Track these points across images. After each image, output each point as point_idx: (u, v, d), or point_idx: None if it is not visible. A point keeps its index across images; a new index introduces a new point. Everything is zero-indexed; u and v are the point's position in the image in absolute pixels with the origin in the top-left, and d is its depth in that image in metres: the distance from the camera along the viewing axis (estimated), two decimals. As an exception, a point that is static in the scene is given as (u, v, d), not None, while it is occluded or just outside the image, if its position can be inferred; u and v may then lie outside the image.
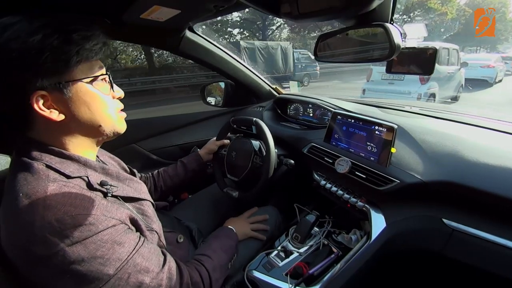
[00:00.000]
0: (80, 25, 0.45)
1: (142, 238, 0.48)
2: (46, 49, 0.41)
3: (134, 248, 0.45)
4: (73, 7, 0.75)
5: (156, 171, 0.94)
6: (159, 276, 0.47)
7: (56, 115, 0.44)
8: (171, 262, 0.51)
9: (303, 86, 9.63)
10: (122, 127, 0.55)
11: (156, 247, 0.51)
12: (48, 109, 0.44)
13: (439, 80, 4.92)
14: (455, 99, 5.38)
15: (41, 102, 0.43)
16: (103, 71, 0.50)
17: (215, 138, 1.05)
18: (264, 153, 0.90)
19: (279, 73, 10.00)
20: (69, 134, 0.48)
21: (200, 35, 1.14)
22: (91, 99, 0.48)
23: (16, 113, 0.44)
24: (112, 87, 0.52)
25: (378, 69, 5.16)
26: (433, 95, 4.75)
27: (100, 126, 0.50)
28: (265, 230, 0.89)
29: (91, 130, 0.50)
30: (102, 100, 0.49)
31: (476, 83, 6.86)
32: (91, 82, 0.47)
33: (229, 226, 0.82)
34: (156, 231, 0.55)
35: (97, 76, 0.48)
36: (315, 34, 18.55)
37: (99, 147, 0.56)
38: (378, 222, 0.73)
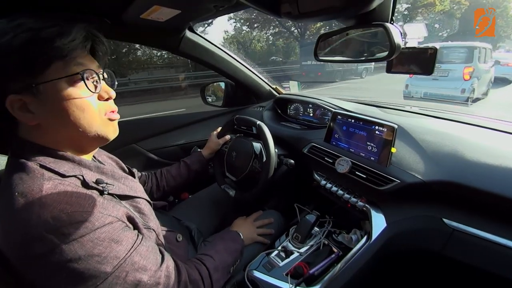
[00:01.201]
0: (54, 22, 0.42)
1: (140, 236, 0.48)
2: (13, 50, 0.39)
3: (132, 246, 0.44)
4: (73, 7, 0.75)
5: (159, 170, 0.94)
6: (157, 274, 0.47)
7: (30, 119, 0.43)
8: (169, 261, 0.51)
9: (360, 78, 11.54)
10: (109, 132, 0.51)
11: (154, 245, 0.51)
12: (24, 112, 0.42)
13: (478, 77, 5.24)
14: (485, 94, 5.77)
15: (16, 105, 0.41)
16: (83, 68, 0.45)
17: (214, 133, 1.05)
18: (264, 159, 0.90)
19: (347, 67, 11.33)
20: (54, 136, 0.46)
21: (200, 35, 1.14)
22: (67, 102, 0.44)
23: (2, 116, 0.43)
24: (96, 87, 0.47)
25: (422, 66, 5.39)
26: (473, 91, 5.12)
27: (80, 130, 0.46)
28: (270, 234, 0.89)
29: (72, 134, 0.47)
30: (82, 102, 0.45)
31: (497, 80, 6.98)
32: (67, 82, 0.43)
33: (236, 231, 0.82)
34: (153, 229, 0.55)
35: (71, 75, 0.44)
36: (276, 31, 18.21)
37: (93, 149, 0.54)
38: (378, 222, 0.73)
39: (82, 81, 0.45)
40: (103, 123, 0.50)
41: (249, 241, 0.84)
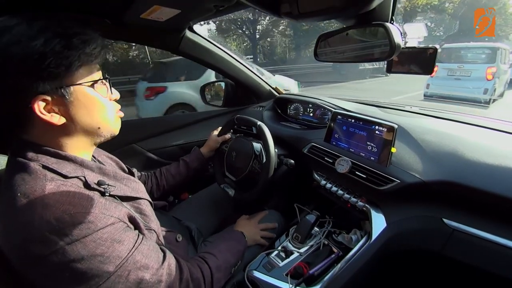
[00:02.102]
0: (79, 29, 0.45)
1: (141, 236, 0.48)
2: (48, 54, 0.41)
3: (134, 246, 0.45)
4: (73, 7, 0.75)
5: (158, 169, 0.94)
6: (159, 272, 0.48)
7: (57, 119, 0.45)
8: (170, 259, 0.52)
9: (385, 76, 11.31)
10: (117, 129, 0.56)
11: (155, 244, 0.52)
12: (49, 112, 0.44)
13: (498, 77, 5.29)
14: (501, 95, 5.83)
15: (42, 106, 0.43)
16: (101, 74, 0.51)
17: (215, 133, 1.05)
18: (264, 160, 0.89)
19: (377, 66, 11.73)
20: (67, 136, 0.48)
21: (200, 35, 1.14)
22: (91, 103, 0.49)
23: (16, 116, 0.44)
24: (110, 89, 0.53)
25: (444, 65, 5.40)
26: (494, 91, 5.19)
27: (99, 128, 0.51)
28: (271, 237, 0.89)
29: (90, 132, 0.51)
30: (101, 103, 0.51)
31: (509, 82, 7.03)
32: (91, 85, 0.48)
33: (241, 231, 0.82)
34: (154, 230, 0.56)
35: (97, 80, 0.49)
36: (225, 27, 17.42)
37: (95, 147, 0.56)
38: (378, 222, 0.73)
39: (104, 85, 0.52)
40: (116, 120, 0.55)
41: (251, 242, 0.84)
